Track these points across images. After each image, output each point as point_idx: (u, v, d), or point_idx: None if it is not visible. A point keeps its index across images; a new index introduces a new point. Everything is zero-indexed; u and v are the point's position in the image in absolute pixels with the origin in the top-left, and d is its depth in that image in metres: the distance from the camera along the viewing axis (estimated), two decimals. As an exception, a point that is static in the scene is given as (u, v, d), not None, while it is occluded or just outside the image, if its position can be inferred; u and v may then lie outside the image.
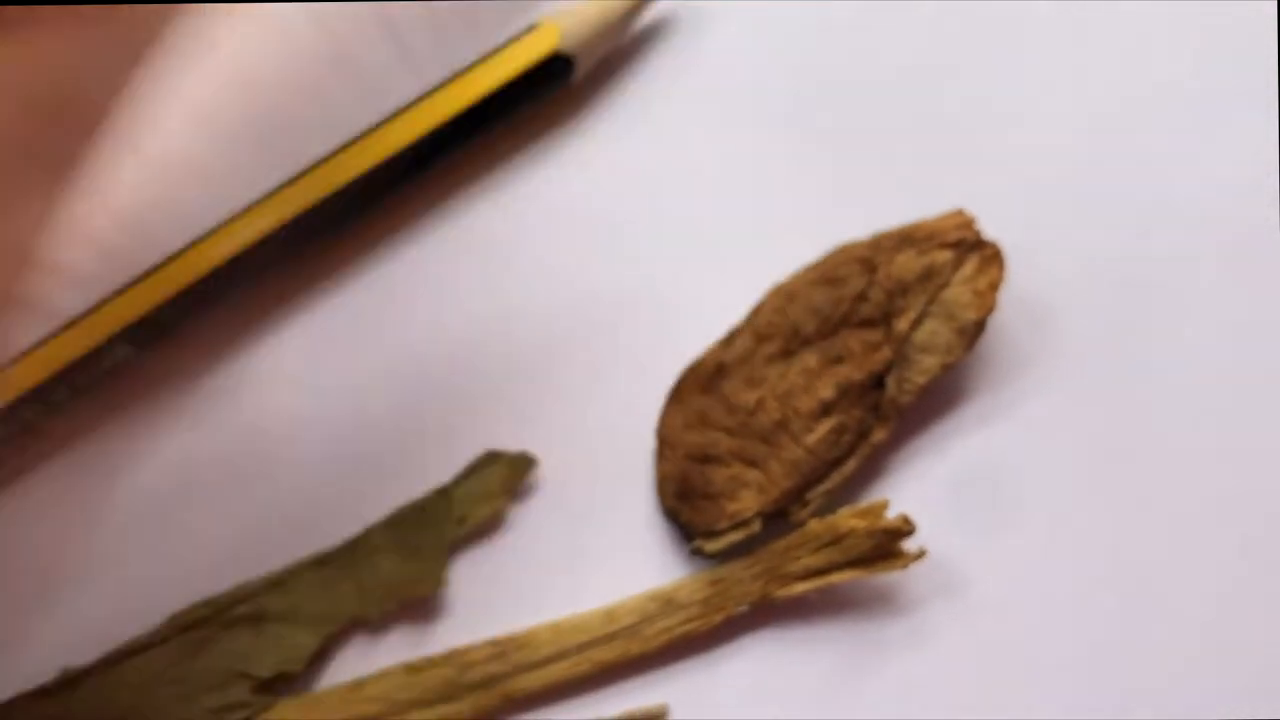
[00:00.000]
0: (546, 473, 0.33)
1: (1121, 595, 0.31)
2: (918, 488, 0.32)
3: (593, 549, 0.32)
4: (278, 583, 0.32)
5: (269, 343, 0.34)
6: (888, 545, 0.30)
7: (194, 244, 0.33)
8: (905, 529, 0.30)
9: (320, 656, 0.32)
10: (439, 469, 0.33)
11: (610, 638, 0.31)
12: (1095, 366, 0.32)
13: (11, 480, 0.33)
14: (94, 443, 0.33)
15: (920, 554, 0.30)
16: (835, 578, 0.31)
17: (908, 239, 0.32)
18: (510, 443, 0.33)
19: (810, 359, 0.31)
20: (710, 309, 0.32)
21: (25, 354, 0.33)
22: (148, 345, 0.33)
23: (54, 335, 0.33)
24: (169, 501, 0.33)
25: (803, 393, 0.31)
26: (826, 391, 0.31)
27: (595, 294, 0.33)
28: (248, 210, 0.33)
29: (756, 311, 0.32)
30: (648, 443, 0.33)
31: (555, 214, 0.34)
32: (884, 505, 0.30)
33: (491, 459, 0.33)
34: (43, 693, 0.31)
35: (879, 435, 0.31)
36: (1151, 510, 0.32)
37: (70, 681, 0.32)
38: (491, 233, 0.34)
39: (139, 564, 0.33)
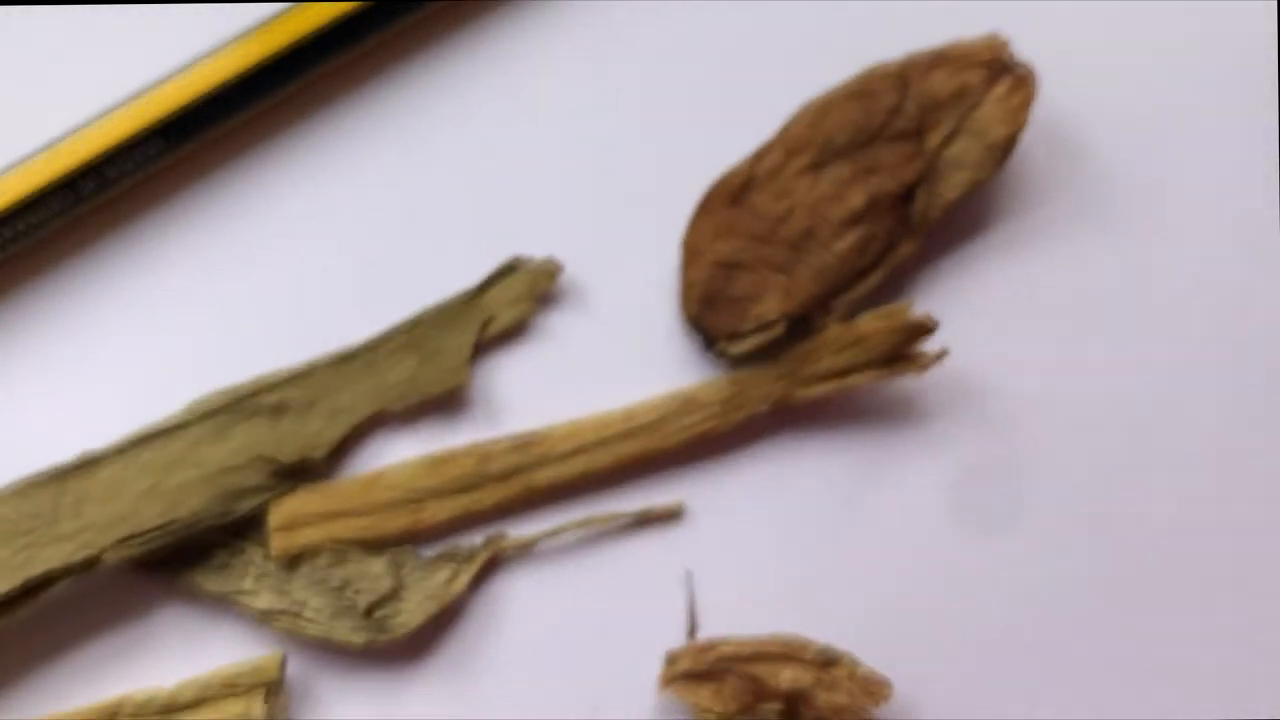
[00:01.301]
0: (571, 279, 0.33)
1: (1140, 411, 0.32)
2: (940, 305, 0.32)
3: (618, 355, 0.33)
4: (299, 376, 0.33)
5: (296, 147, 0.34)
6: (908, 346, 0.31)
7: (231, 42, 0.33)
8: (927, 325, 0.30)
9: (342, 449, 0.32)
10: (463, 274, 0.33)
11: (630, 434, 0.32)
12: (1121, 195, 0.33)
13: (36, 272, 0.33)
14: (120, 238, 0.34)
15: (941, 354, 0.31)
16: (855, 379, 0.31)
17: (941, 59, 0.32)
18: (536, 249, 0.33)
19: (842, 170, 0.32)
20: (737, 124, 0.33)
21: (56, 143, 0.33)
22: (178, 143, 0.33)
23: (84, 125, 0.33)
24: (190, 294, 0.33)
25: (833, 201, 0.32)
26: (857, 200, 0.31)
27: (623, 106, 0.34)
28: (285, 12, 0.33)
29: (788, 126, 0.32)
30: (673, 253, 0.33)
31: (587, 28, 0.34)
32: (906, 307, 0.31)
33: (517, 264, 0.33)
34: (60, 473, 0.32)
35: (906, 248, 0.32)
36: (1171, 334, 0.32)
37: (90, 463, 0.32)
38: (524, 41, 0.34)
39: (158, 354, 0.33)
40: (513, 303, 0.33)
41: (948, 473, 0.32)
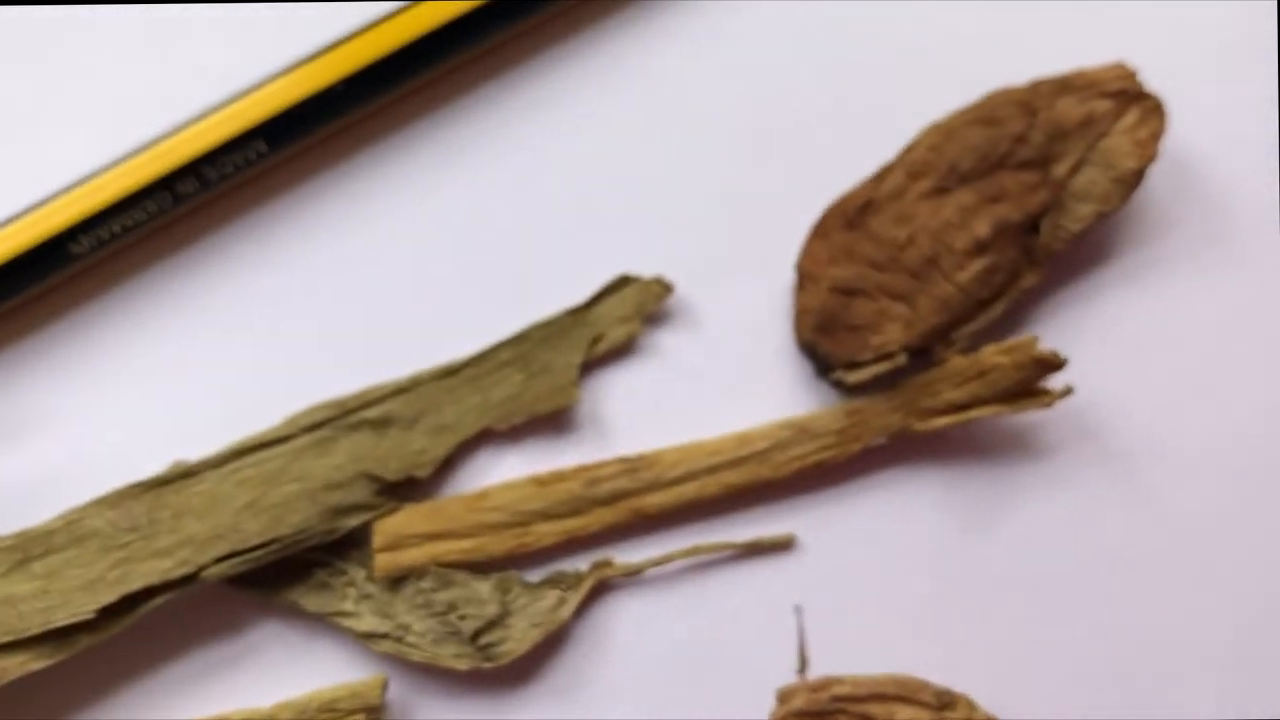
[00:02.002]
0: (681, 299, 0.32)
1: (1265, 447, 0.31)
2: (1061, 337, 0.32)
3: (725, 378, 0.32)
4: (403, 390, 0.32)
5: (403, 153, 0.33)
6: (1033, 382, 0.30)
7: (338, 43, 0.32)
8: (1055, 362, 0.30)
9: (446, 466, 0.32)
10: (571, 291, 0.32)
11: (741, 461, 0.31)
12: (1247, 227, 0.32)
13: (134, 270, 0.33)
14: (218, 241, 0.33)
15: (1067, 391, 0.30)
16: (977, 413, 0.30)
17: (1067, 86, 0.31)
18: (646, 267, 0.32)
19: (966, 197, 0.31)
20: (854, 146, 0.32)
21: (155, 142, 0.32)
22: (281, 145, 0.33)
23: (184, 125, 0.32)
24: (293, 304, 0.32)
25: (957, 229, 0.31)
26: (982, 229, 0.31)
27: (738, 126, 0.33)
28: (391, 15, 0.33)
29: (910, 149, 0.32)
30: (786, 276, 0.32)
31: (708, 41, 0.33)
32: (1033, 341, 0.30)
33: (626, 282, 0.32)
34: (157, 483, 0.31)
35: (1029, 279, 0.31)
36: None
37: (186, 474, 0.31)
38: (637, 58, 0.33)
39: (254, 363, 0.32)
40: (621, 321, 0.32)
41: (1068, 508, 0.31)
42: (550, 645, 0.31)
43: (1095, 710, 0.30)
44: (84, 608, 0.30)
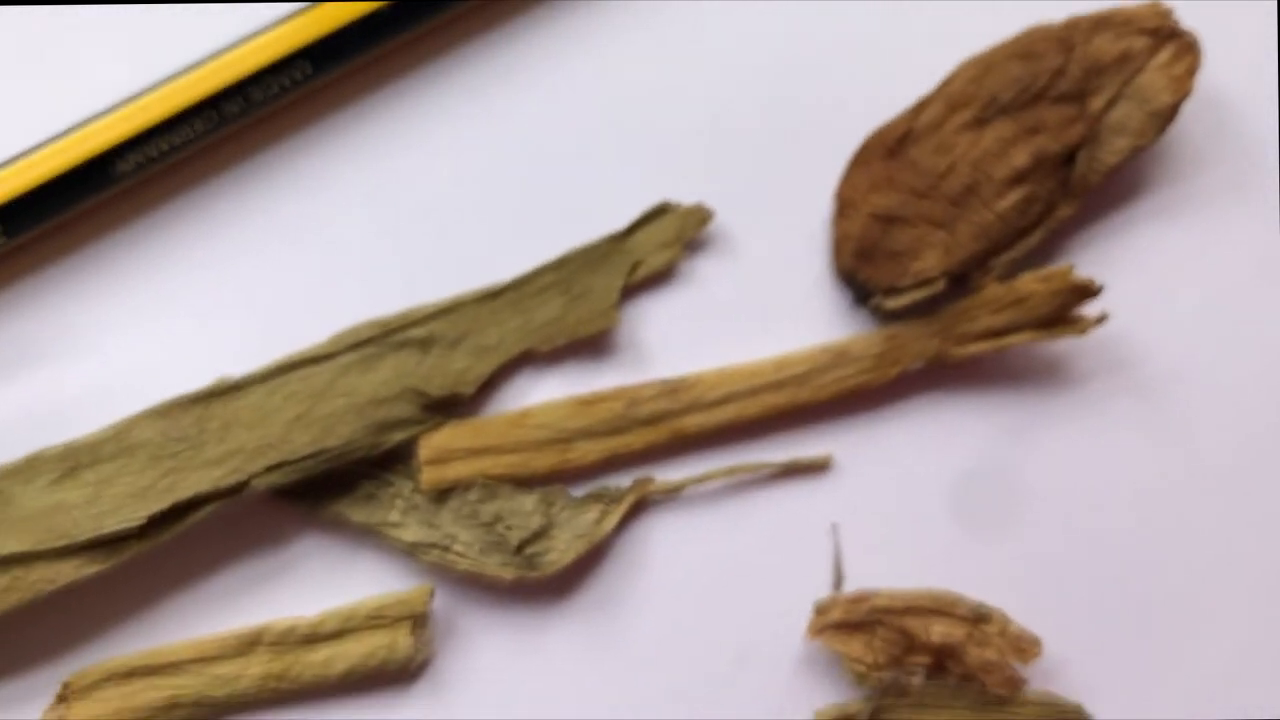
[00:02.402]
0: (721, 226, 0.33)
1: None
2: (1095, 269, 0.32)
3: (764, 304, 0.33)
4: (446, 311, 0.32)
5: (449, 75, 0.33)
6: (1068, 309, 0.31)
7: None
8: (1091, 289, 0.30)
9: (489, 386, 0.32)
10: (612, 217, 0.33)
11: (780, 384, 0.32)
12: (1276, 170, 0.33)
13: (179, 191, 0.33)
14: (264, 162, 0.33)
15: (1101, 318, 0.31)
16: (1013, 339, 0.31)
17: (1104, 23, 0.32)
18: (686, 195, 0.33)
19: (1005, 128, 0.32)
20: (892, 78, 0.33)
21: (201, 63, 0.32)
22: (326, 68, 0.33)
23: (231, 47, 0.32)
24: (336, 226, 0.33)
25: (996, 159, 0.31)
26: (1021, 159, 0.31)
27: (779, 56, 0.33)
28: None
29: (948, 82, 0.32)
30: (824, 205, 0.33)
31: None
32: (1069, 269, 0.31)
33: (666, 208, 0.33)
34: (204, 396, 0.31)
35: (1065, 210, 0.32)
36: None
37: (233, 388, 0.31)
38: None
39: (302, 284, 0.33)
40: (661, 247, 0.33)
41: (1099, 437, 0.32)
42: (592, 559, 0.31)
43: (1120, 633, 0.31)
44: (133, 516, 0.30)
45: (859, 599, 0.30)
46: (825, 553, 0.31)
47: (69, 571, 0.30)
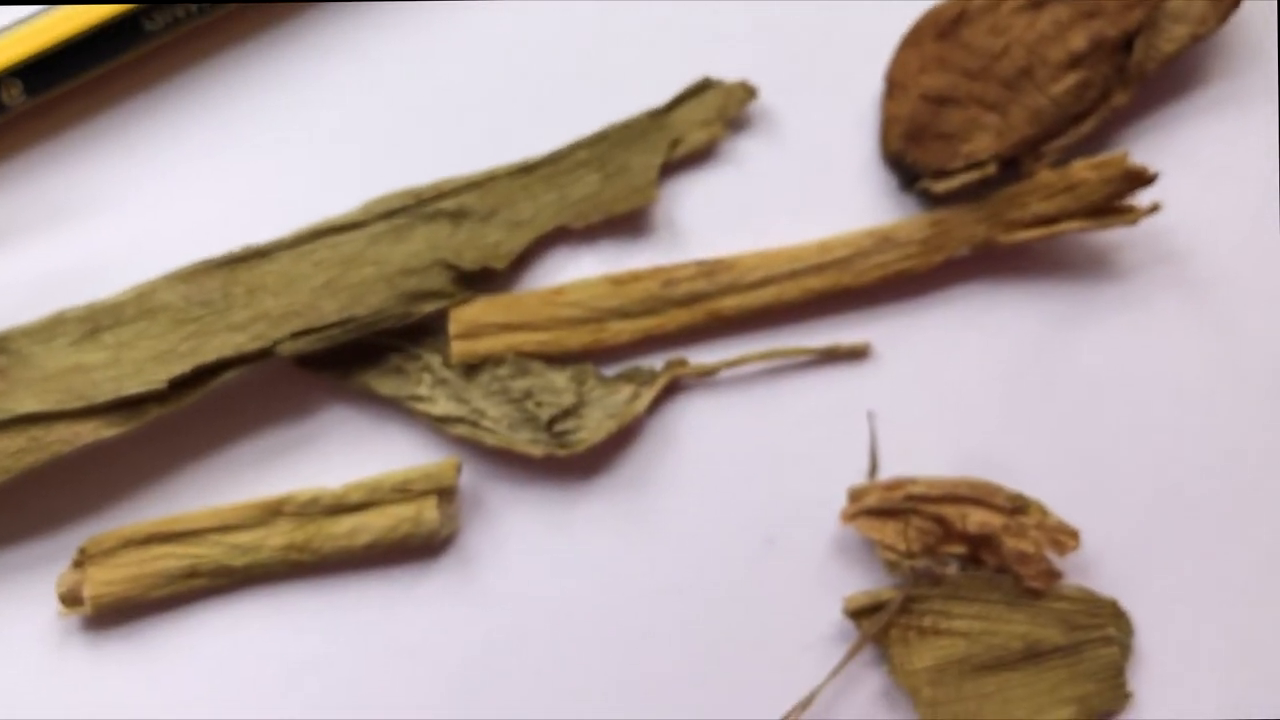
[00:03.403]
0: (765, 105, 0.32)
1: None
2: (1148, 161, 0.31)
3: (807, 186, 0.32)
4: (478, 184, 0.31)
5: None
6: (1120, 198, 0.30)
7: None
8: (1145, 176, 0.30)
9: (522, 262, 0.31)
10: (653, 93, 0.32)
11: (821, 268, 0.31)
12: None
13: (210, 53, 0.32)
14: (301, 24, 0.32)
15: (1154, 208, 0.30)
16: (1063, 227, 0.30)
17: (1170, -95, 0.31)
18: (730, 72, 0.32)
19: (1062, 11, 0.31)
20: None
21: None
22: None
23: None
24: (371, 94, 0.32)
25: (1052, 42, 0.30)
26: (1078, 42, 0.30)
27: (832, -65, 0.32)
28: None
29: (1005, -39, 0.31)
30: (872, 87, 0.32)
31: None
32: (1123, 156, 0.30)
33: (708, 85, 0.32)
34: (229, 260, 0.31)
35: (1121, 98, 0.31)
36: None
37: (260, 254, 0.31)
38: None
39: (333, 152, 0.32)
40: (702, 125, 0.32)
41: (1145, 330, 0.31)
42: (622, 439, 0.31)
43: (1159, 528, 0.30)
44: (154, 378, 0.29)
45: (895, 485, 0.30)
46: (861, 440, 0.31)
47: (88, 433, 0.29)
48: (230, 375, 0.30)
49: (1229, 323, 0.31)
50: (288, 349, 0.30)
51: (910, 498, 0.29)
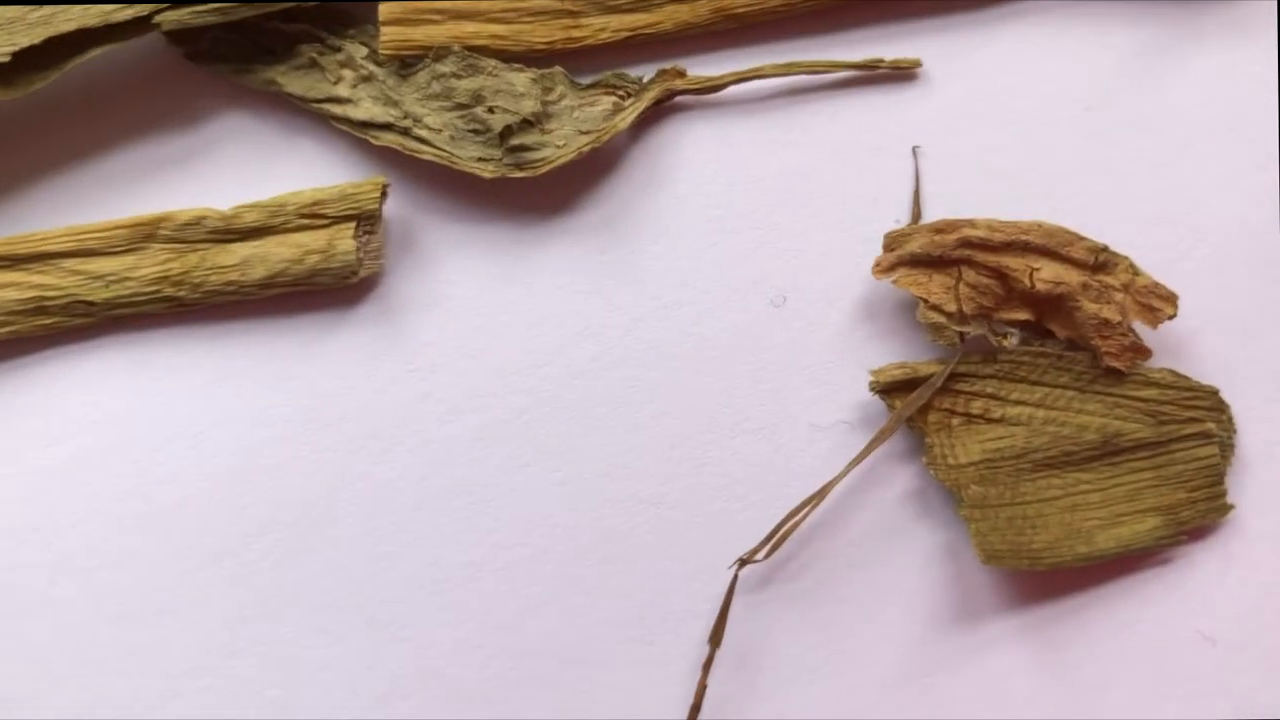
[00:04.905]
0: None
1: None
2: None
3: None
4: None
5: None
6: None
7: None
8: None
9: (476, -64, 0.25)
10: None
11: (863, -39, 0.24)
12: None
13: None
14: None
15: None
16: (1176, -86, 0.24)
17: None
18: None
19: None
20: None
21: None
22: None
23: None
24: None
25: None
26: None
27: None
28: None
29: None
30: None
31: None
32: None
33: None
34: None
35: None
36: None
37: None
38: None
39: None
40: None
41: (1255, 59, 0.25)
42: (598, 165, 0.24)
43: (1272, 298, 0.24)
44: (-2, 52, 0.23)
45: (946, 227, 0.23)
46: (903, 183, 0.24)
47: (-95, 115, 0.23)
48: (94, 55, 0.23)
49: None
50: (169, 20, 0.23)
51: (965, 243, 0.23)
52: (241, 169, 0.24)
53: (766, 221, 0.24)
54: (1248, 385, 0.24)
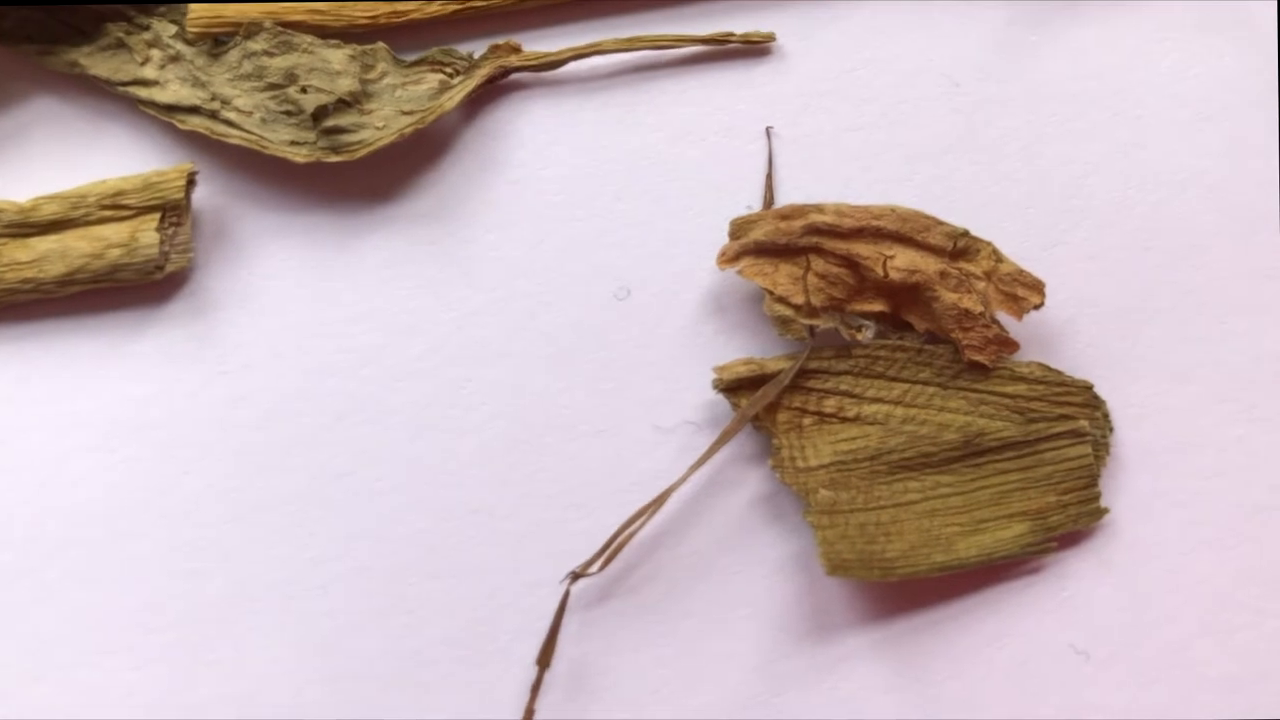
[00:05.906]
0: None
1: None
2: None
3: None
4: None
5: None
6: None
7: None
8: None
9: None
10: None
11: (710, -73, 0.23)
12: None
13: None
14: None
15: None
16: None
17: None
18: None
19: None
20: None
21: None
22: None
23: None
24: None
25: None
26: None
27: None
28: None
29: None
30: None
31: None
32: None
33: None
34: None
35: None
36: None
37: None
38: None
39: None
40: None
41: (1134, 29, 0.23)
42: (425, 149, 0.22)
43: (1148, 286, 0.22)
44: None
45: (791, 214, 0.21)
46: (755, 166, 0.23)
47: None
48: (-124, 37, 0.21)
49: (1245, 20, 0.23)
50: (-47, -2, 0.21)
51: (813, 230, 0.21)
52: (46, 158, 0.22)
53: (609, 208, 0.22)
54: (1127, 379, 0.22)
